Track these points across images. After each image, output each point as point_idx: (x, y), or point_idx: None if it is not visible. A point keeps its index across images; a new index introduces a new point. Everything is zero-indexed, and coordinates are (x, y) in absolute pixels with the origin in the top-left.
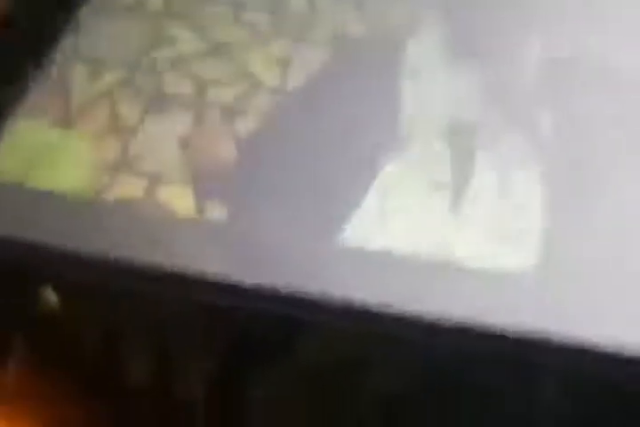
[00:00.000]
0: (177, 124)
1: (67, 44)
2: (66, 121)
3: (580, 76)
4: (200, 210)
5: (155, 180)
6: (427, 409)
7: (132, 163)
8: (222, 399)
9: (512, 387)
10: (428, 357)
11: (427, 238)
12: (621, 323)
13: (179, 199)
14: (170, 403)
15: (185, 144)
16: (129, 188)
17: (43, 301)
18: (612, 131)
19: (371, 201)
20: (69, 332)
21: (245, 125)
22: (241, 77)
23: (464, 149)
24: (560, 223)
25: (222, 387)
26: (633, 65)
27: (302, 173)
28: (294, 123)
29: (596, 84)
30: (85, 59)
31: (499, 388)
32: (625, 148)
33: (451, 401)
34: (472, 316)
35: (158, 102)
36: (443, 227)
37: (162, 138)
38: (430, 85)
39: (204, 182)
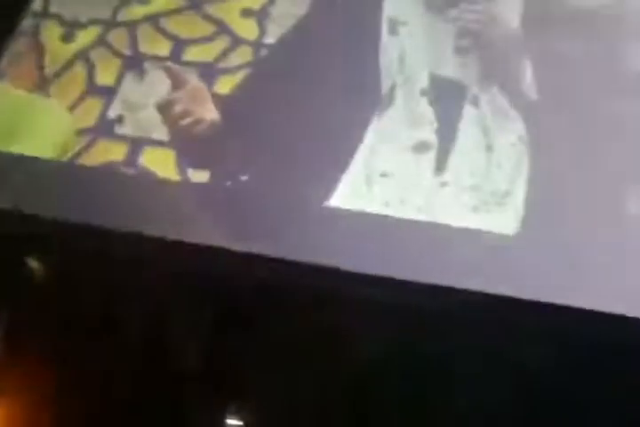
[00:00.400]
0: (156, 86)
1: (38, 4)
2: (41, 84)
3: (559, 20)
4: (182, 173)
5: (135, 143)
6: (407, 372)
7: (111, 126)
8: (210, 368)
9: (494, 347)
10: (414, 319)
11: (412, 201)
12: (601, 286)
13: (160, 163)
14: (164, 371)
15: (165, 106)
16: (108, 152)
17: (29, 270)
18: (595, 76)
19: (356, 164)
20: (58, 300)
21: (225, 85)
22: (218, 34)
23: (447, 106)
24: (544, 184)
25: (209, 355)
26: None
27: (285, 134)
28: (273, 82)
29: (575, 27)
30: (58, 19)
31: (482, 348)
32: (608, 94)
33: (431, 363)
34: (454, 276)
35: (135, 63)
36: (428, 189)
37: (141, 100)
38: (410, 39)
39: (185, 145)
